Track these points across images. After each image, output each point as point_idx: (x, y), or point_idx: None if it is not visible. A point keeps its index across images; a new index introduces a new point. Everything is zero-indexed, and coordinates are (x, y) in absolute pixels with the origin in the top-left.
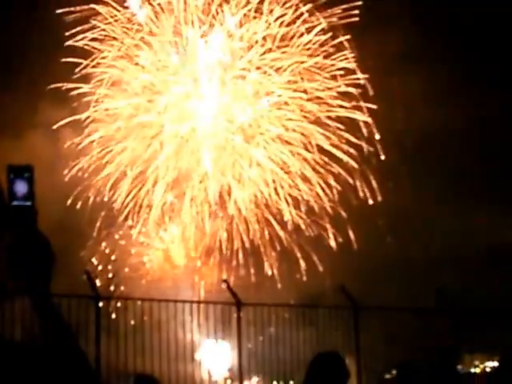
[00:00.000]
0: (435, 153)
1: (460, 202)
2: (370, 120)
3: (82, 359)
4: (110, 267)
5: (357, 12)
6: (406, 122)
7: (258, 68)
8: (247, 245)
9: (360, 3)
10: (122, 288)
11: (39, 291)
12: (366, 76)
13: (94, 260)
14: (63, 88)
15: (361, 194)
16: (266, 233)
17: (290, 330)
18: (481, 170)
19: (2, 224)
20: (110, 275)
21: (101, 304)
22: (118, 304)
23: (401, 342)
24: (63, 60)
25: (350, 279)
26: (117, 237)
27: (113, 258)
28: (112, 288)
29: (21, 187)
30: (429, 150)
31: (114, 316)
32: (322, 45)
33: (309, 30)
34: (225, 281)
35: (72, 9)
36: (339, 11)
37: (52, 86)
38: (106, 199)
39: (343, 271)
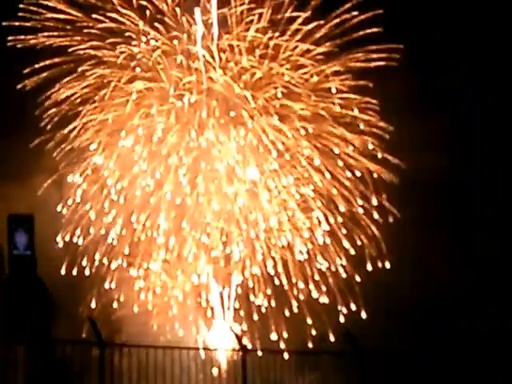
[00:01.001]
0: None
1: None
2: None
3: None
4: (112, 317)
5: (397, 56)
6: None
7: (263, 115)
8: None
9: (401, 46)
10: (126, 336)
11: (39, 338)
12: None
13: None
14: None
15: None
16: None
17: (296, 375)
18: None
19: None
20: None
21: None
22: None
23: None
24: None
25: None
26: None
27: (115, 305)
28: (115, 336)
29: (21, 237)
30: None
31: (117, 362)
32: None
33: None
34: (230, 328)
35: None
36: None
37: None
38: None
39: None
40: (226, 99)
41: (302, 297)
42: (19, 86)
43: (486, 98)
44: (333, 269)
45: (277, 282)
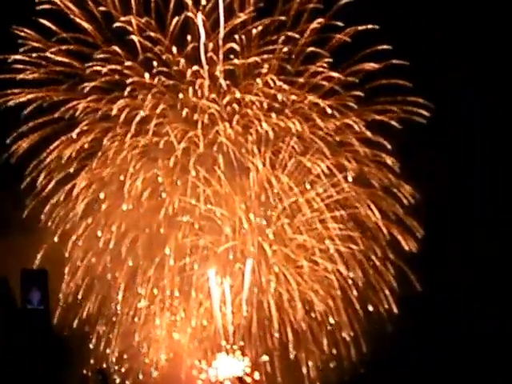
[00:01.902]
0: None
1: None
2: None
3: None
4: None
5: (426, 114)
6: None
7: (270, 169)
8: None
9: (432, 105)
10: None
11: None
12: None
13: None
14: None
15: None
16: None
17: None
18: None
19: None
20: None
21: None
22: None
23: None
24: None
25: None
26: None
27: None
28: None
29: (35, 293)
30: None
31: None
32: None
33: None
34: (239, 378)
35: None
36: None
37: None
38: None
39: None
40: (233, 153)
41: (311, 364)
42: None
43: (486, 98)
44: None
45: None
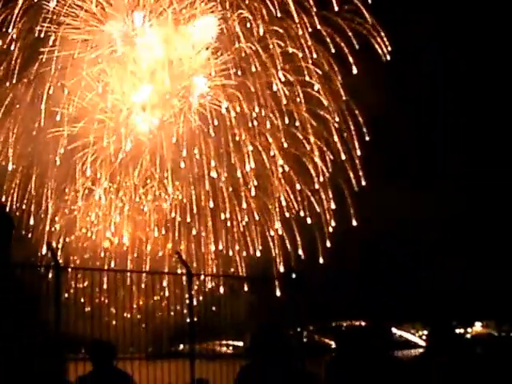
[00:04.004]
0: None
1: None
2: None
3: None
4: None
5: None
6: None
7: None
8: None
9: (389, 48)
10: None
11: None
12: None
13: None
14: None
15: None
16: None
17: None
18: None
19: None
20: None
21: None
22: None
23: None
24: None
25: None
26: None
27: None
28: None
29: None
30: None
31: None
32: None
33: None
34: (177, 253)
35: None
36: None
37: None
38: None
39: None
40: None
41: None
42: None
43: (450, 52)
44: None
45: None
